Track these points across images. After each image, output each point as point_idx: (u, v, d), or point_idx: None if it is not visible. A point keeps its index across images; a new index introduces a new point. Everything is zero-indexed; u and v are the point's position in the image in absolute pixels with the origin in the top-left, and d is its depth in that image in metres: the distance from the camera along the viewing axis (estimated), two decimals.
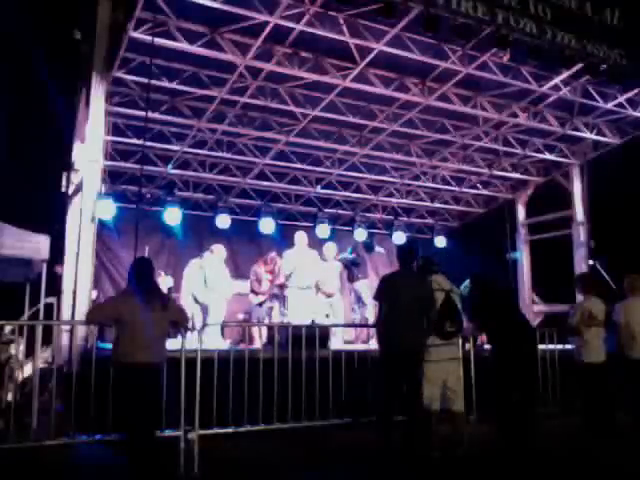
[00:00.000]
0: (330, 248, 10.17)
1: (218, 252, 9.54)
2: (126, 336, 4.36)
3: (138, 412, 4.28)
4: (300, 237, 9.96)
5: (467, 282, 6.24)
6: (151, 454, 4.28)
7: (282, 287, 9.61)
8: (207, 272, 9.39)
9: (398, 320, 5.08)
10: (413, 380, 5.11)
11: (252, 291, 9.76)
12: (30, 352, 6.32)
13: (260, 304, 9.67)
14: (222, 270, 9.54)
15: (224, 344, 8.50)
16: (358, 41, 7.38)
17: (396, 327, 5.08)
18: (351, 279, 10.44)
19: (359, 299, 10.13)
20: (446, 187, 12.61)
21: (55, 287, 7.19)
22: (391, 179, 12.07)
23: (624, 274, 6.67)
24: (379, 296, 5.33)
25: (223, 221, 11.31)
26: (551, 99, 9.19)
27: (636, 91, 8.86)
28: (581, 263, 11.06)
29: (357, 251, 10.87)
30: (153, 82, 7.46)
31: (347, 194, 12.53)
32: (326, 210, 12.65)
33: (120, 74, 7.74)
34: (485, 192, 12.93)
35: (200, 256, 9.58)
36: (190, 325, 5.95)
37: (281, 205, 12.58)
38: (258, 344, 8.70)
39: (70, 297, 6.89)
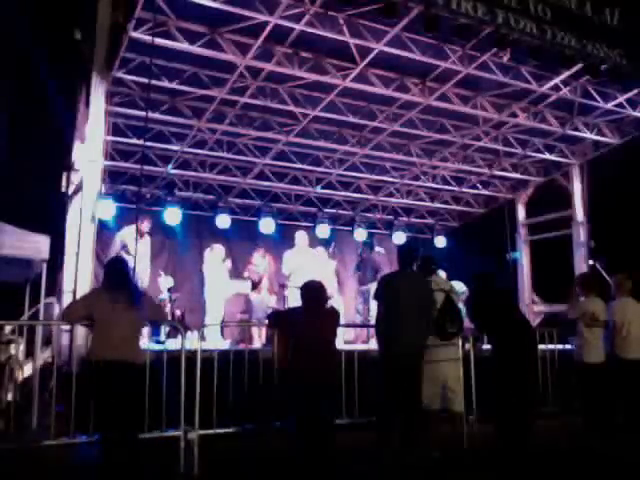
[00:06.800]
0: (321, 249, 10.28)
1: (217, 252, 9.57)
2: (97, 334, 4.32)
3: (109, 412, 4.19)
4: (301, 237, 9.98)
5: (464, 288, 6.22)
6: (125, 456, 4.17)
7: (283, 287, 9.63)
8: (205, 272, 9.40)
9: (398, 320, 5.06)
10: (413, 381, 5.09)
11: (253, 288, 9.79)
12: (30, 352, 6.33)
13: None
14: (220, 270, 9.55)
15: (224, 344, 8.51)
16: (358, 41, 7.37)
17: (395, 327, 5.06)
18: (363, 282, 10.49)
19: (366, 300, 10.13)
20: (446, 187, 12.60)
21: (55, 287, 7.19)
22: (391, 179, 12.05)
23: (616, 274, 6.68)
24: (378, 296, 5.33)
25: (223, 221, 11.31)
26: (551, 99, 9.19)
27: (636, 91, 8.85)
28: (581, 263, 11.06)
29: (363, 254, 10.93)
30: (153, 82, 7.44)
31: (347, 194, 12.51)
32: (326, 210, 12.66)
33: (120, 74, 7.73)
34: (485, 192, 12.92)
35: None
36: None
37: (281, 205, 12.56)
38: (258, 344, 8.72)
39: (70, 297, 6.89)
